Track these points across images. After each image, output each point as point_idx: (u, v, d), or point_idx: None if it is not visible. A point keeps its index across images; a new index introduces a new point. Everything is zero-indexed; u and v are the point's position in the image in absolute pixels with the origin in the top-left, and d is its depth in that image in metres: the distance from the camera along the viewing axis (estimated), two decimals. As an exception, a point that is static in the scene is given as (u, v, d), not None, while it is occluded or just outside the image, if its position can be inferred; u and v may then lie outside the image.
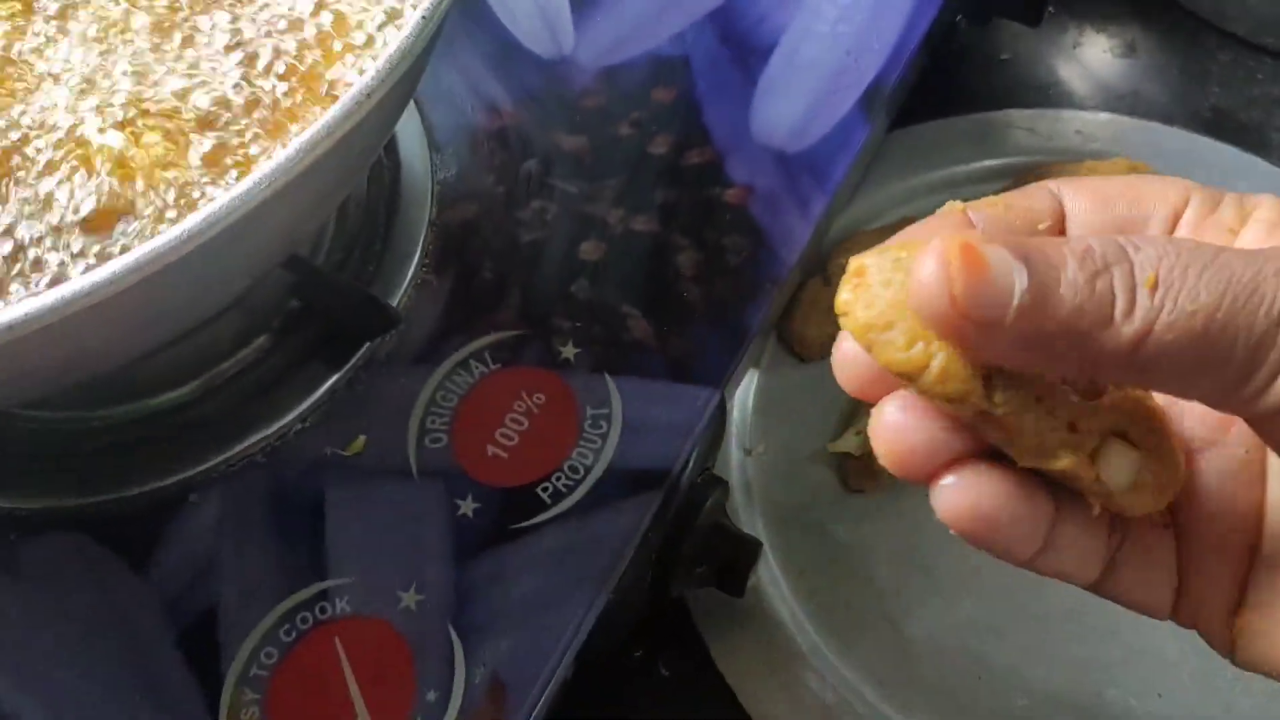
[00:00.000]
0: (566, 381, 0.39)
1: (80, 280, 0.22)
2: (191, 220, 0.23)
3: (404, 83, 0.28)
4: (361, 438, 0.38)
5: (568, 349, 0.39)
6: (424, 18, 0.27)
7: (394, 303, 0.39)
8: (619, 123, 0.44)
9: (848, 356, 0.23)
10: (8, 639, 0.35)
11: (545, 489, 0.37)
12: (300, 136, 0.24)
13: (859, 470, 0.46)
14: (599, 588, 0.35)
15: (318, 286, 0.37)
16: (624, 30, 0.46)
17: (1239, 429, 0.23)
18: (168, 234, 0.23)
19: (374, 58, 0.32)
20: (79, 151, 0.30)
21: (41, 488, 0.37)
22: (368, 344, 0.39)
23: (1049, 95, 0.58)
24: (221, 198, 0.23)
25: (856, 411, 0.47)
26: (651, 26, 0.46)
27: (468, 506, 0.36)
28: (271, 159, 0.24)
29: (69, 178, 0.30)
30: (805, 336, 0.48)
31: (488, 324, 0.40)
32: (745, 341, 0.40)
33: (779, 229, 0.42)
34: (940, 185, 0.53)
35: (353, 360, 0.38)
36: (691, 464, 0.38)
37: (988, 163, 0.53)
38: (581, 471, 0.37)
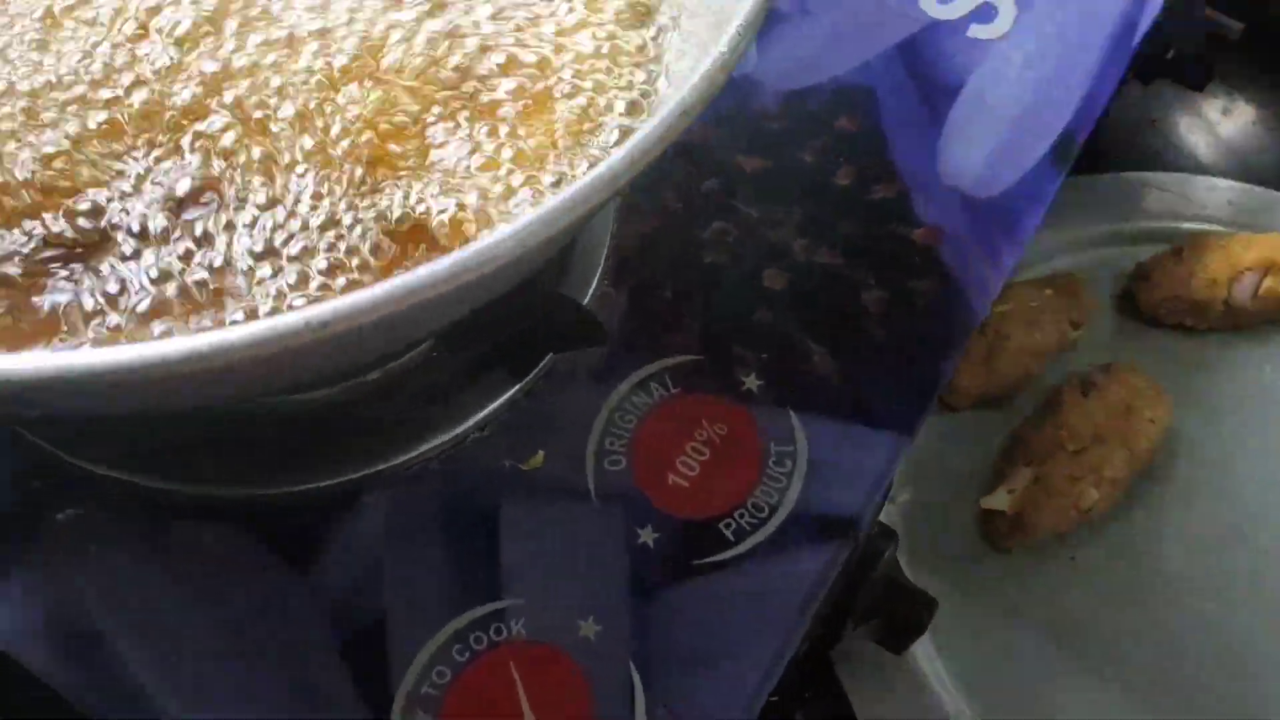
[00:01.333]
0: (750, 414, 0.37)
1: (406, 279, 0.21)
2: (519, 226, 0.21)
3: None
4: (540, 453, 0.36)
5: (750, 380, 0.38)
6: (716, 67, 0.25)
7: (577, 315, 0.38)
8: (802, 149, 0.43)
9: None
10: (155, 622, 0.33)
11: (728, 525, 0.35)
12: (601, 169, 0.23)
13: (1008, 529, 0.44)
14: (787, 636, 0.34)
15: (531, 295, 0.36)
16: (809, 54, 0.45)
17: None
18: (487, 243, 0.21)
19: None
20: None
21: (203, 473, 0.35)
22: (551, 355, 0.37)
23: (1194, 162, 0.57)
24: (541, 209, 0.22)
25: (1009, 466, 0.46)
26: (837, 52, 0.45)
27: (648, 536, 0.35)
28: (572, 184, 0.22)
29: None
30: (957, 385, 0.47)
31: (667, 345, 0.38)
32: (935, 390, 0.38)
33: (970, 276, 0.40)
34: (1089, 242, 0.52)
35: (535, 371, 0.37)
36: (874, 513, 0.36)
37: (1139, 224, 0.52)
38: (766, 510, 0.36)
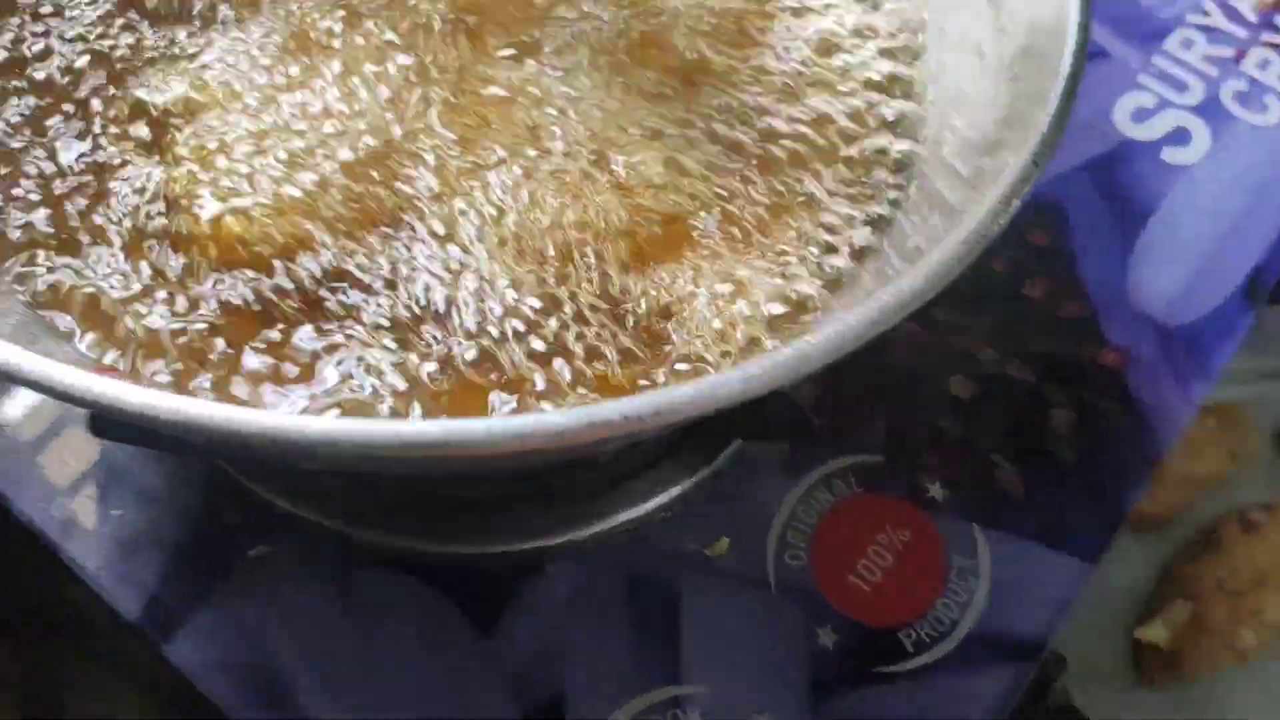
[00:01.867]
0: (933, 523, 0.37)
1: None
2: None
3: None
4: (725, 539, 0.36)
5: (935, 488, 0.38)
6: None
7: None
8: (993, 257, 0.43)
9: None
10: (337, 667, 0.34)
11: (908, 635, 0.35)
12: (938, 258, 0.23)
13: (1162, 665, 0.44)
14: (966, 757, 0.33)
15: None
16: (1003, 162, 0.45)
17: None
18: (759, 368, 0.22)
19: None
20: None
21: (398, 525, 0.35)
22: (739, 441, 0.37)
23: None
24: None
25: (1166, 598, 0.45)
26: (1031, 164, 0.45)
27: (827, 637, 0.35)
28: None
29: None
30: (1116, 507, 0.46)
31: (852, 444, 0.38)
32: (1121, 519, 0.38)
33: (1158, 405, 0.40)
34: (1258, 375, 0.51)
35: (722, 455, 0.37)
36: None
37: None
38: (947, 624, 0.35)
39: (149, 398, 0.20)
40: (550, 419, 0.21)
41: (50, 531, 0.35)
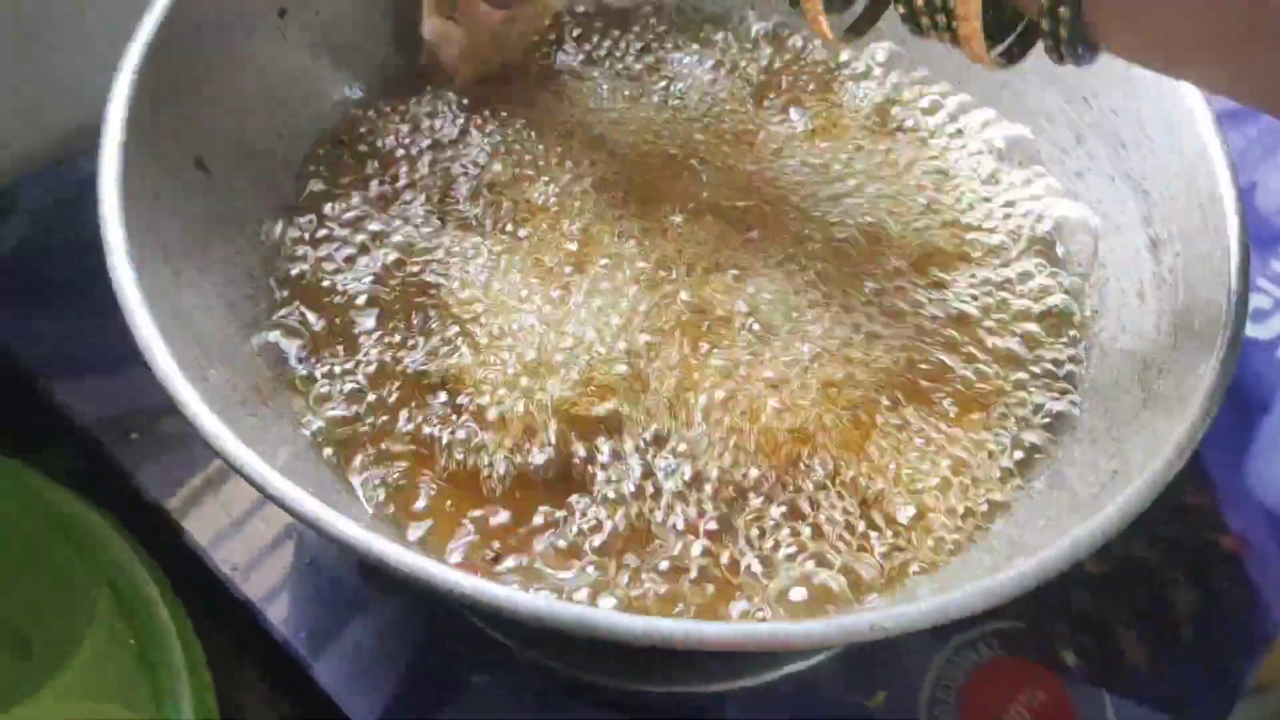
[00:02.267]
0: (1067, 688, 0.41)
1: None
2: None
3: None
4: (882, 693, 0.41)
5: (1068, 655, 0.42)
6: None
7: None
8: (1123, 445, 0.48)
9: None
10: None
11: (1044, 790, 0.39)
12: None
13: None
14: None
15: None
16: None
17: None
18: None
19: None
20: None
21: (603, 666, 0.40)
22: (895, 604, 0.42)
23: None
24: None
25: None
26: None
27: (973, 787, 0.39)
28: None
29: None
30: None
31: (990, 612, 0.43)
32: (1239, 693, 0.42)
33: (1272, 588, 0.44)
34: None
35: (880, 616, 0.42)
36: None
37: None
38: (1079, 782, 0.39)
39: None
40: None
41: (299, 648, 0.40)
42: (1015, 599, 0.27)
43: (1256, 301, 0.52)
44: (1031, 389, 0.38)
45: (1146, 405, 0.34)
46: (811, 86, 0.44)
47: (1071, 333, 0.39)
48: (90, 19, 0.39)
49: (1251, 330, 0.51)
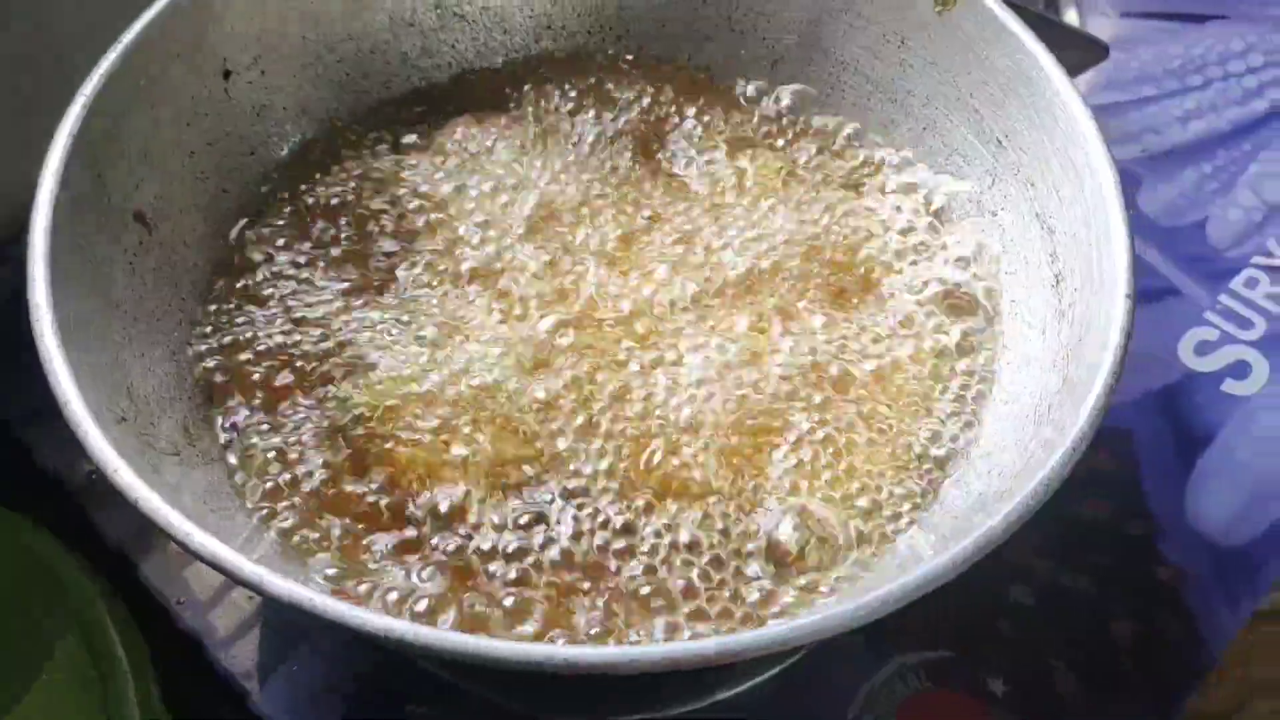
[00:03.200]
0: (995, 717, 0.42)
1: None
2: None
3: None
4: (809, 723, 0.41)
5: (997, 684, 0.42)
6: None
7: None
8: (1061, 477, 0.48)
9: None
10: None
11: (969, 820, 0.40)
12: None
13: None
14: None
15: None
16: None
17: None
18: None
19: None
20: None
21: (543, 702, 0.41)
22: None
23: None
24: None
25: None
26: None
27: (896, 817, 0.40)
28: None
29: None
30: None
31: (921, 640, 0.43)
32: (1170, 724, 0.42)
33: (1209, 619, 0.45)
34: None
35: (797, 655, 0.42)
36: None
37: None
38: (1005, 812, 0.40)
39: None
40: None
41: (237, 675, 0.42)
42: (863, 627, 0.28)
43: (1203, 335, 0.52)
44: (937, 418, 0.39)
45: (1036, 437, 0.35)
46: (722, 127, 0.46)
47: (978, 364, 0.40)
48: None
49: (1197, 364, 0.52)
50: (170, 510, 0.29)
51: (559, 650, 0.27)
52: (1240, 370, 0.51)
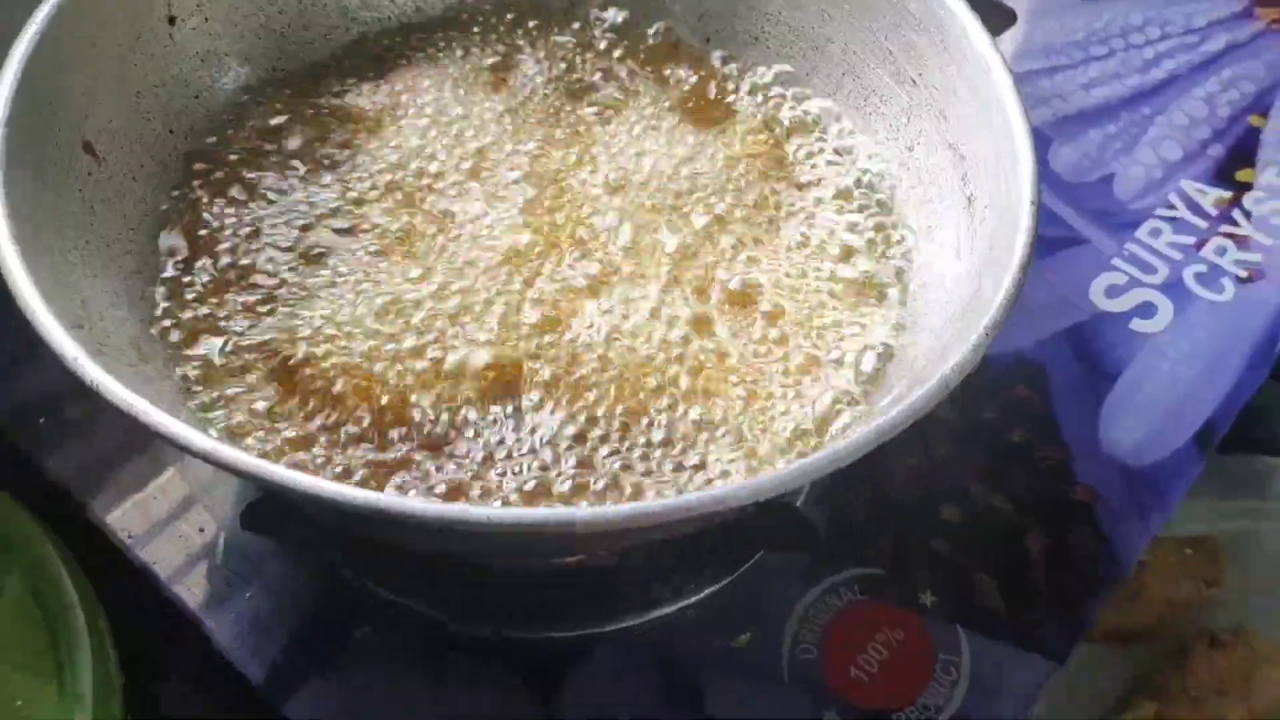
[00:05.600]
0: (924, 625, 0.44)
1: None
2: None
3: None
4: (747, 634, 0.43)
5: (926, 596, 0.45)
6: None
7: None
8: (984, 407, 0.51)
9: None
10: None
11: (899, 719, 0.42)
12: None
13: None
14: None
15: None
16: (992, 329, 0.53)
17: None
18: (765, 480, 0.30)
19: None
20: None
21: (478, 616, 0.43)
22: (762, 552, 0.44)
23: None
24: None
25: (1134, 698, 0.51)
26: (1018, 329, 0.53)
27: (830, 719, 0.41)
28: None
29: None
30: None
31: (857, 558, 0.45)
32: (1084, 628, 0.44)
33: (1120, 534, 0.47)
34: (1230, 514, 0.57)
35: (747, 565, 0.44)
36: (1024, 726, 0.42)
37: (1273, 504, 0.58)
38: (933, 710, 0.42)
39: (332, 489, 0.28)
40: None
41: (192, 605, 0.43)
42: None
43: (1113, 279, 0.55)
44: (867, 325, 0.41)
45: (955, 339, 0.37)
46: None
47: (899, 287, 0.43)
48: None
49: (1107, 305, 0.54)
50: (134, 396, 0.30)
51: (495, 511, 0.28)
52: (1147, 311, 0.54)
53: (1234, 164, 0.60)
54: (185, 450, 0.29)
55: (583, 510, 0.28)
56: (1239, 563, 0.57)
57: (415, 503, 0.32)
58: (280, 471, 0.28)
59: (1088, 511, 0.48)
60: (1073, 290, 0.55)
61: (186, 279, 0.40)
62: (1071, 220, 0.58)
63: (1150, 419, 0.51)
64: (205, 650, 0.42)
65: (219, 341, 0.39)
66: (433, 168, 0.44)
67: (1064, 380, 0.52)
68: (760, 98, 0.48)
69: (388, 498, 0.29)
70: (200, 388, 0.38)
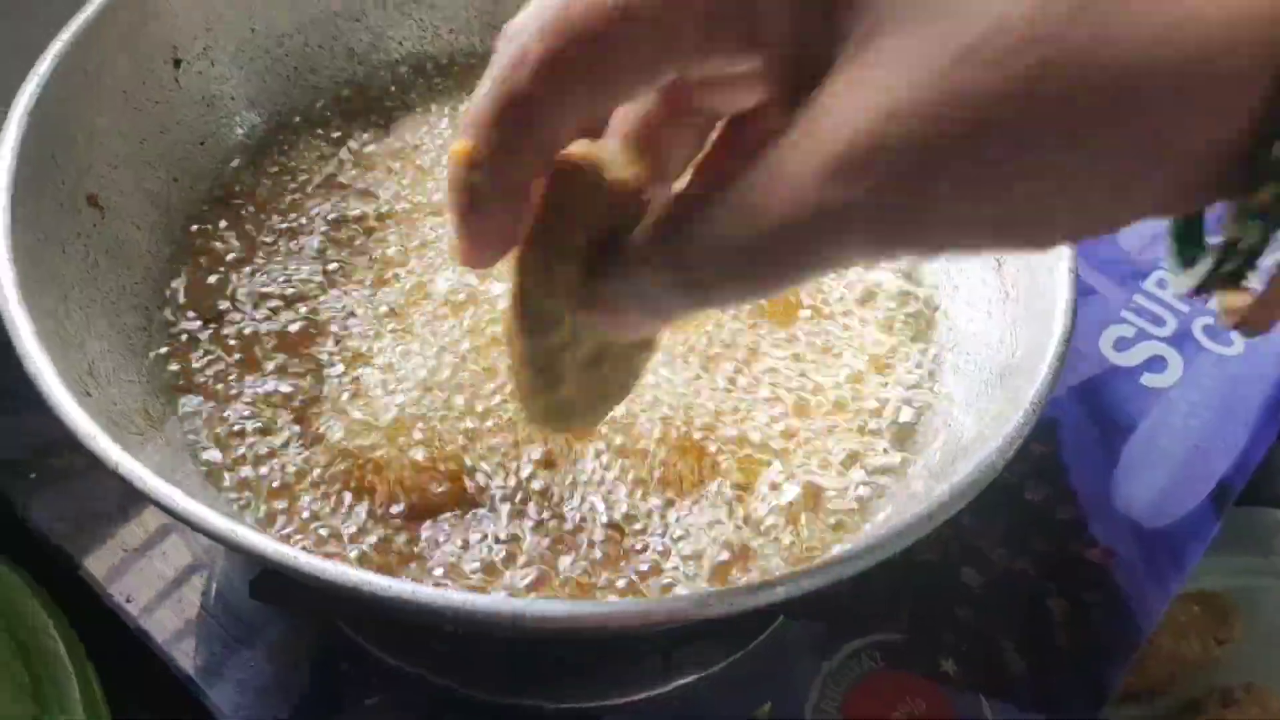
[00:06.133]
0: (946, 694, 0.43)
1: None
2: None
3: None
4: (768, 704, 0.42)
5: (948, 664, 0.44)
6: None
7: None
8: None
9: None
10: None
11: (925, 792, 0.41)
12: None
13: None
14: None
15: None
16: (1004, 383, 0.53)
17: None
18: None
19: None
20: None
21: (484, 683, 0.41)
22: (781, 618, 0.43)
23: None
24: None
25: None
26: (1029, 385, 0.52)
27: (855, 791, 0.40)
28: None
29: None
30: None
31: (878, 624, 0.44)
32: (1108, 694, 0.44)
33: (1137, 596, 0.46)
34: (1242, 570, 0.57)
35: (760, 638, 0.43)
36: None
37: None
38: (958, 782, 0.41)
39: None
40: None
41: (192, 673, 0.41)
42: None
43: (1120, 332, 0.55)
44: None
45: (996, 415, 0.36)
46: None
47: (931, 348, 0.42)
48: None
49: (1118, 359, 0.54)
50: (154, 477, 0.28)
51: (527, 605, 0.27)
52: (1157, 365, 0.54)
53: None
54: (218, 541, 0.27)
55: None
56: (1249, 619, 0.57)
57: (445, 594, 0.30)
58: (334, 569, 0.27)
59: (1105, 573, 0.47)
60: (1083, 342, 0.55)
61: (189, 335, 0.39)
62: (1079, 271, 0.57)
63: (1164, 476, 0.50)
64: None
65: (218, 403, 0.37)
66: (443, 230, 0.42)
67: (1076, 437, 0.51)
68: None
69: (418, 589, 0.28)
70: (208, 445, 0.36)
